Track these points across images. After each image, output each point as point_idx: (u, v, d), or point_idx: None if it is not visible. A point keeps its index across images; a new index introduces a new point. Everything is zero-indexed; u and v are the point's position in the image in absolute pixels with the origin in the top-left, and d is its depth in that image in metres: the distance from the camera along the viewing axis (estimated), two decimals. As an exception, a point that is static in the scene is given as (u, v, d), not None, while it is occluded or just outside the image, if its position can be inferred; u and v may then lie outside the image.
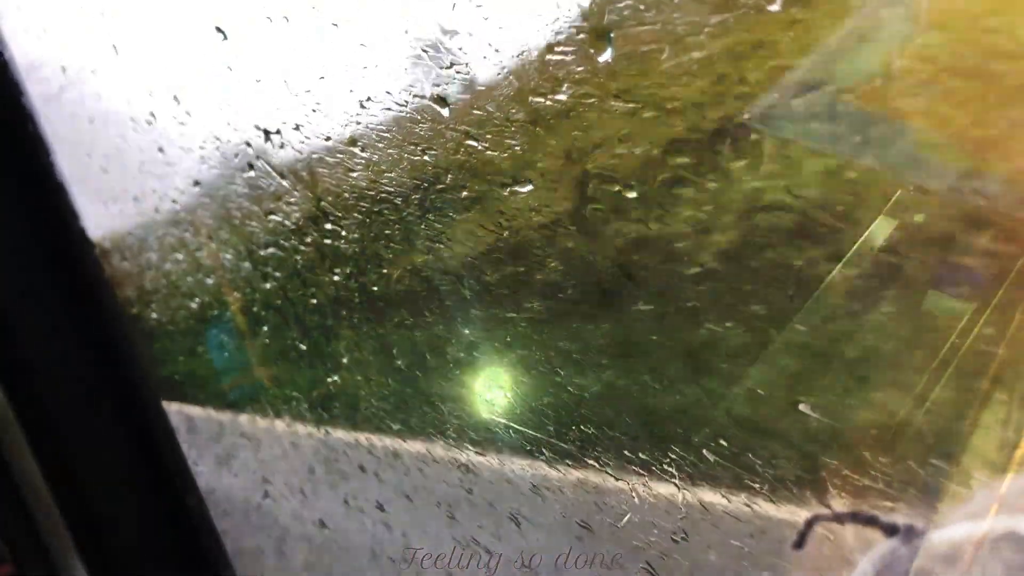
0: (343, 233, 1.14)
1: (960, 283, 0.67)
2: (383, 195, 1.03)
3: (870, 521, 0.72)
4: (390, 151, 0.98)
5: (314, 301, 1.31)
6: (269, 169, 1.18)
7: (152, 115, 1.37)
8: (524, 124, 0.81)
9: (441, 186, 0.95)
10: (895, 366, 0.73)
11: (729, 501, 0.80)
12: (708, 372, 0.82)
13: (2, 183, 1.38)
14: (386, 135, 0.97)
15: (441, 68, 0.84)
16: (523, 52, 0.77)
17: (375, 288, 1.16)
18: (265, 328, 1.51)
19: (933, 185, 0.66)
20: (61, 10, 1.45)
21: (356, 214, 1.10)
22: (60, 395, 1.41)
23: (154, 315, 1.77)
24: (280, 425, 1.56)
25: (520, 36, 0.77)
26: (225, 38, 1.08)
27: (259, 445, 1.68)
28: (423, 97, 0.88)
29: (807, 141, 0.69)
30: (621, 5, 0.68)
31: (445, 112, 0.87)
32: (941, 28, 0.61)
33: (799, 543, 0.77)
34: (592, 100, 0.75)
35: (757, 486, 0.78)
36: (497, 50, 0.79)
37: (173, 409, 1.63)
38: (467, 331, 1.04)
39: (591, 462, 0.92)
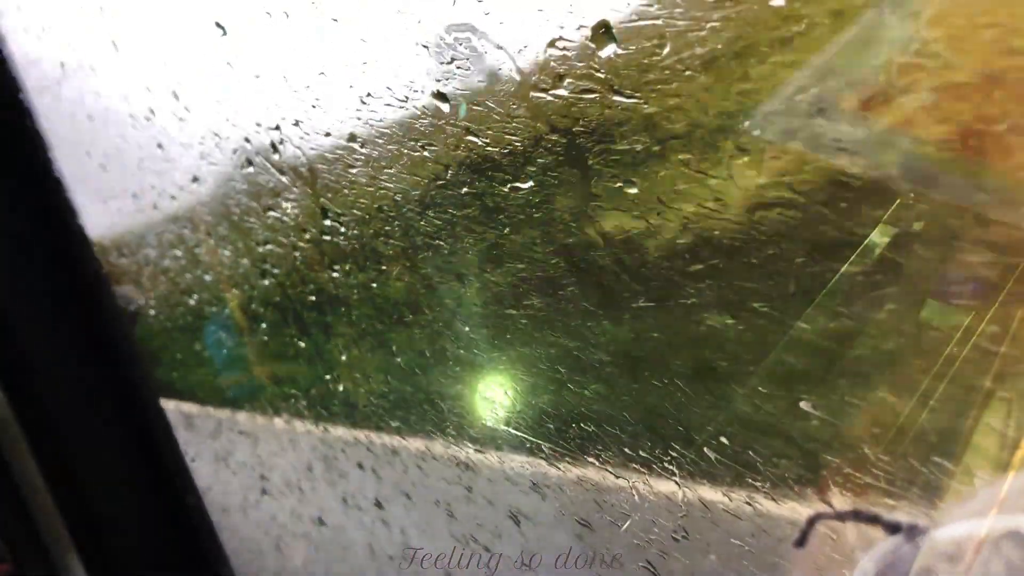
0: (342, 230, 1.13)
1: (962, 283, 0.66)
2: (383, 191, 1.03)
3: (872, 519, 0.72)
4: (390, 147, 0.98)
5: (313, 298, 1.30)
6: (268, 165, 1.18)
7: (151, 111, 1.37)
8: (525, 120, 0.81)
9: (441, 182, 0.95)
10: (897, 364, 0.73)
11: (730, 499, 0.80)
12: (709, 369, 0.82)
13: (0, 181, 1.38)
14: (386, 131, 0.96)
15: (441, 64, 0.84)
16: (524, 47, 0.77)
17: (374, 285, 1.16)
18: (264, 325, 1.51)
19: (934, 187, 0.65)
20: (60, 6, 1.45)
21: (355, 210, 1.10)
22: (59, 394, 1.41)
23: (152, 312, 1.76)
24: (278, 422, 1.56)
25: (521, 31, 0.76)
26: (224, 34, 1.08)
27: (257, 442, 1.67)
28: (423, 93, 0.88)
29: (808, 139, 0.69)
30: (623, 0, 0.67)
31: (445, 108, 0.87)
32: (945, 26, 0.60)
33: (800, 541, 0.77)
34: (594, 96, 0.74)
35: (758, 484, 0.78)
36: (499, 46, 0.78)
37: (171, 407, 1.62)
38: (467, 328, 1.04)
39: (591, 460, 0.92)
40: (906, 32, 0.61)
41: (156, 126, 1.38)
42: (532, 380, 0.98)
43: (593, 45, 0.71)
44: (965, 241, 0.66)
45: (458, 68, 0.83)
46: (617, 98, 0.73)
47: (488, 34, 0.78)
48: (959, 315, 0.66)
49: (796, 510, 0.77)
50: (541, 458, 0.99)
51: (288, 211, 1.22)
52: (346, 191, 1.09)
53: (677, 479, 0.83)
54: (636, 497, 0.88)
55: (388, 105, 0.93)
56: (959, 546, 0.66)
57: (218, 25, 1.07)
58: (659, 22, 0.67)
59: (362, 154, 1.02)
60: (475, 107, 0.85)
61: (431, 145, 0.92)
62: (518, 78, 0.79)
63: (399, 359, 1.20)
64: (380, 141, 0.98)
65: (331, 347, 1.34)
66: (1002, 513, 0.64)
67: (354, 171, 1.05)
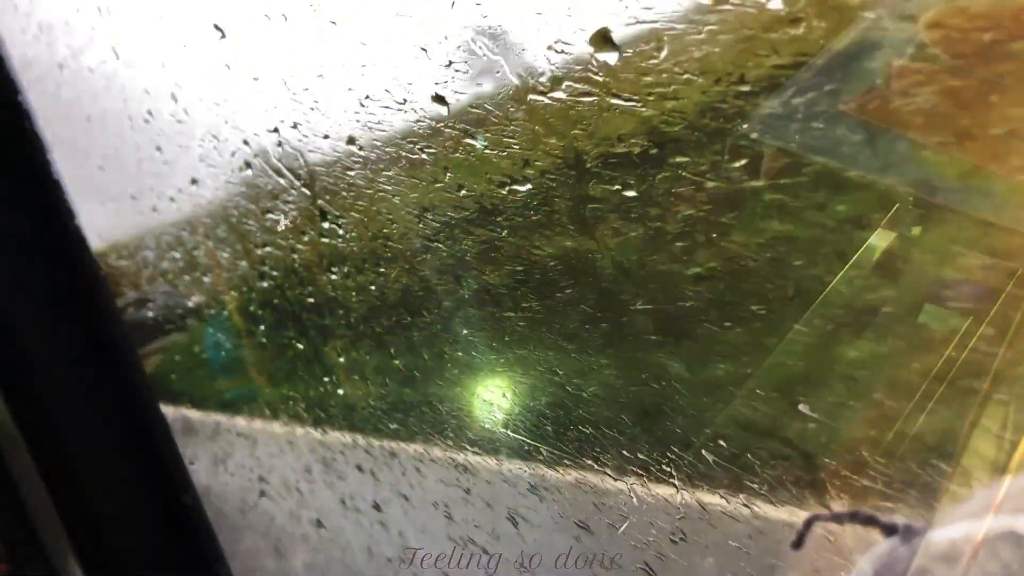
0: (341, 232, 1.13)
1: (960, 286, 0.67)
2: (381, 194, 1.03)
3: (869, 521, 0.72)
4: (388, 149, 0.98)
5: (311, 300, 1.30)
6: (267, 168, 1.18)
7: (150, 113, 1.37)
8: (523, 123, 0.81)
9: (439, 185, 0.95)
10: (895, 367, 0.73)
11: (728, 501, 0.80)
12: (707, 372, 0.82)
13: (-1, 181, 1.38)
14: (384, 133, 0.96)
15: (440, 67, 0.84)
16: (523, 51, 0.77)
17: (372, 287, 1.16)
18: (262, 327, 1.51)
19: (932, 191, 0.66)
20: (59, 7, 1.45)
21: (354, 213, 1.10)
22: (58, 394, 1.41)
23: (151, 314, 1.76)
24: (277, 425, 1.56)
25: (520, 35, 0.77)
26: (223, 36, 1.08)
27: (255, 444, 1.67)
28: (422, 95, 0.88)
29: (807, 143, 0.69)
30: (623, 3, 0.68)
31: (444, 111, 0.87)
32: (943, 28, 0.60)
33: (798, 543, 0.77)
34: (592, 99, 0.74)
35: (756, 486, 0.78)
36: (496, 50, 0.79)
37: (169, 409, 1.62)
38: (465, 330, 1.04)
39: (589, 462, 0.92)
40: (904, 35, 0.61)
41: (155, 128, 1.38)
42: (530, 382, 0.98)
43: (592, 49, 0.71)
44: (962, 245, 0.66)
45: (456, 71, 0.83)
46: (615, 100, 0.73)
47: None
48: (956, 319, 0.66)
49: (794, 512, 0.77)
50: (539, 460, 0.99)
51: (287, 213, 1.22)
52: (344, 193, 1.09)
53: (675, 481, 0.83)
54: (634, 499, 0.88)
55: (387, 108, 0.93)
56: (956, 547, 0.66)
57: (217, 27, 1.07)
58: (657, 25, 0.67)
59: (360, 156, 1.02)
60: (473, 109, 0.85)
61: (429, 148, 0.92)
62: (516, 81, 0.79)
63: (397, 361, 1.20)
64: (378, 144, 0.98)
65: (329, 349, 1.34)
66: (999, 515, 0.64)
67: (352, 173, 1.05)
